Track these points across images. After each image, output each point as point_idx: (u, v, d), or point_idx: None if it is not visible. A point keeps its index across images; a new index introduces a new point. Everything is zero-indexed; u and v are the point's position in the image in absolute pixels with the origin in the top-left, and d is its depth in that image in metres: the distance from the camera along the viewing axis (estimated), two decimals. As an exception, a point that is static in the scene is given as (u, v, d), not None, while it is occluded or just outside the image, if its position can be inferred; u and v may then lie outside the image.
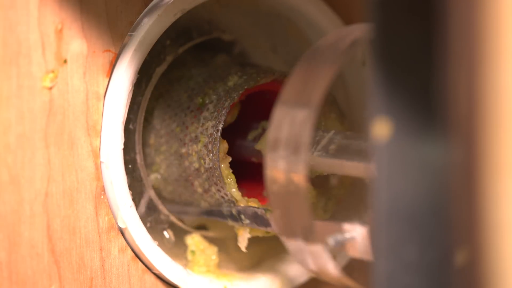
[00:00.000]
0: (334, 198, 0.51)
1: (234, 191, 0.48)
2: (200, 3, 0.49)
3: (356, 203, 0.54)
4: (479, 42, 0.28)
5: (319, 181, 0.50)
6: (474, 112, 0.29)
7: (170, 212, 0.52)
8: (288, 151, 0.42)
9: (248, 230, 0.50)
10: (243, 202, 0.49)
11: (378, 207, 0.33)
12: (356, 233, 0.42)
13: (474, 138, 0.29)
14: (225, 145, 0.48)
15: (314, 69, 0.42)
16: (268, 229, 0.48)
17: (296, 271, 0.53)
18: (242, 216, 0.48)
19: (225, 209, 0.49)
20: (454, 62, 0.30)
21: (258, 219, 0.48)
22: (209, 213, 0.50)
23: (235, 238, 0.53)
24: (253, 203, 0.49)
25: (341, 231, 0.42)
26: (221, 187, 0.48)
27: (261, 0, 0.53)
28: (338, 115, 0.50)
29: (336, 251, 0.42)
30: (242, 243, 0.50)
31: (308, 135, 0.41)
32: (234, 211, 0.48)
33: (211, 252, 0.52)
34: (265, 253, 0.54)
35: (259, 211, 0.47)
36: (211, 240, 0.53)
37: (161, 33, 0.48)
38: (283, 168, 0.42)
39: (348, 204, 0.54)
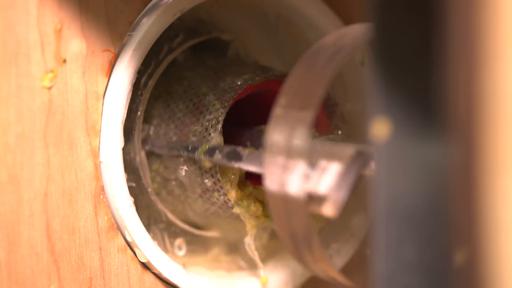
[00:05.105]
0: None
1: (233, 191, 0.49)
2: (199, 3, 0.49)
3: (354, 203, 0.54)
4: (478, 42, 0.28)
5: None
6: (473, 112, 0.29)
7: (168, 210, 0.52)
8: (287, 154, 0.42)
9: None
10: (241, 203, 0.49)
11: (377, 207, 0.33)
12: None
13: (473, 138, 0.29)
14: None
15: (313, 70, 0.42)
16: (240, 165, 0.47)
17: (297, 270, 0.53)
18: (217, 151, 0.47)
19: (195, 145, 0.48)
20: (453, 62, 0.30)
21: (231, 155, 0.47)
22: (175, 148, 0.49)
23: (237, 237, 0.53)
24: (252, 202, 0.49)
25: None
26: (220, 186, 0.48)
27: (261, 0, 0.53)
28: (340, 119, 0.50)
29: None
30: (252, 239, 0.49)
31: (306, 136, 0.41)
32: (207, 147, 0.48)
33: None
34: (270, 252, 0.54)
35: (238, 149, 0.47)
36: (211, 240, 0.53)
37: (160, 32, 0.48)
38: (281, 175, 0.42)
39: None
